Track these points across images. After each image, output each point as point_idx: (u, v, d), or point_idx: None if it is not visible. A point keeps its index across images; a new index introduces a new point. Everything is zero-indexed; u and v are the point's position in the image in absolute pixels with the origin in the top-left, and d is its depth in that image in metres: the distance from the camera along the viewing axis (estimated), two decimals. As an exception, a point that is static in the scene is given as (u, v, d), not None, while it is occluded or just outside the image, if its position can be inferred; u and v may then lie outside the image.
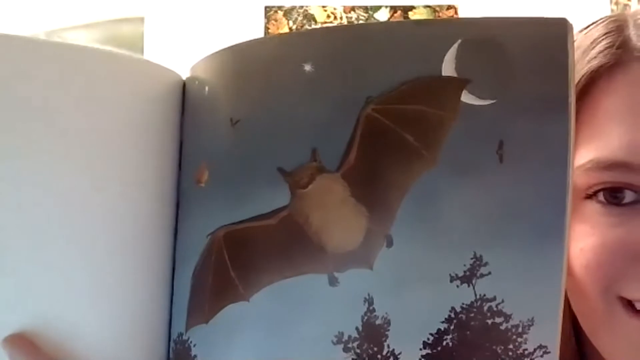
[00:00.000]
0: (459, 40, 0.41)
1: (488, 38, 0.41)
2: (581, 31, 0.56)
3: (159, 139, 0.48)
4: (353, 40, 0.44)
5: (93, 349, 0.46)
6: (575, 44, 0.54)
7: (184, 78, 0.50)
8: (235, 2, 2.60)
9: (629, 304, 0.51)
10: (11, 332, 0.44)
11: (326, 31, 0.48)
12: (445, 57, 0.41)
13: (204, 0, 2.60)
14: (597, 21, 0.56)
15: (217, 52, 0.47)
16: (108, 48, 0.48)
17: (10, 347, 0.44)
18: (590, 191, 0.52)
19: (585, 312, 0.53)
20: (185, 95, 0.50)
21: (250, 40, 0.46)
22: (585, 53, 0.54)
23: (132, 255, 0.47)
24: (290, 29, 2.59)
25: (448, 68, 0.41)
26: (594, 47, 0.54)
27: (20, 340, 0.44)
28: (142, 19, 2.64)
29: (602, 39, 0.54)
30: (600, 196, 0.51)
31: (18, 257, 0.44)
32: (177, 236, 0.48)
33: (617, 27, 0.54)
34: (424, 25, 0.48)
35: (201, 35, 2.56)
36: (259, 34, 2.57)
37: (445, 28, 0.43)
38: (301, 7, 2.61)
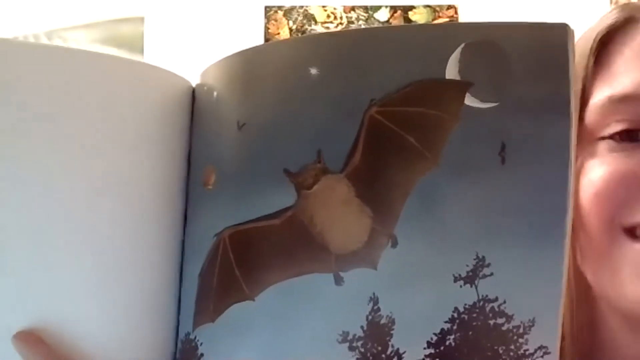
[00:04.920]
0: (462, 44, 0.42)
1: (490, 42, 0.42)
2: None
3: (167, 143, 0.49)
4: (357, 44, 0.44)
5: (100, 348, 0.46)
6: (592, 25, 0.60)
7: (193, 84, 0.51)
8: (235, 2, 2.60)
9: (632, 233, 0.53)
10: (21, 327, 0.45)
11: (331, 35, 0.48)
12: (449, 61, 0.42)
13: (204, 0, 2.61)
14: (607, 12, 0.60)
15: (225, 58, 0.48)
16: (126, 56, 0.48)
17: (20, 343, 0.45)
18: (606, 133, 0.54)
19: (590, 246, 0.55)
20: (194, 101, 0.51)
21: (257, 46, 0.47)
22: (601, 20, 0.59)
23: (140, 256, 0.47)
24: (290, 29, 2.59)
25: (451, 71, 0.42)
26: (611, 12, 0.59)
27: (31, 337, 0.45)
28: (142, 19, 2.64)
29: (616, 9, 0.59)
30: (616, 137, 0.54)
31: (24, 257, 0.45)
32: (185, 237, 0.49)
33: (629, 3, 0.59)
34: (427, 29, 0.48)
35: (201, 35, 2.56)
36: (259, 34, 2.58)
37: (448, 32, 0.43)
38: (301, 7, 2.61)
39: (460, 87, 0.42)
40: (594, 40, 0.57)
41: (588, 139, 0.55)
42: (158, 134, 0.48)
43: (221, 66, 0.49)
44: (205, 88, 0.50)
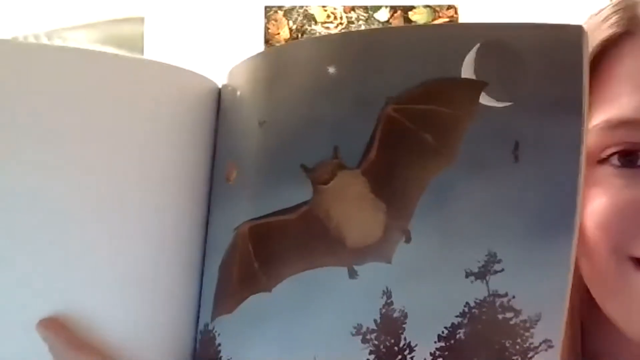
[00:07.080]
0: (478, 44, 0.43)
1: (505, 42, 0.43)
2: (591, 16, 0.59)
3: (193, 141, 0.50)
4: (373, 43, 0.45)
5: (121, 336, 0.47)
6: (586, 25, 0.56)
7: (219, 85, 0.52)
8: (235, 2, 2.60)
9: (639, 263, 0.52)
10: (42, 317, 0.46)
11: (348, 35, 0.49)
12: (465, 60, 0.43)
13: (204, 0, 2.61)
14: (606, 6, 0.58)
15: (249, 58, 0.49)
16: (155, 60, 0.51)
17: (44, 330, 0.45)
18: (604, 154, 0.53)
19: (596, 274, 0.54)
20: (220, 101, 0.52)
21: (278, 46, 0.48)
22: (596, 29, 0.56)
23: (163, 248, 0.48)
24: (290, 29, 2.60)
25: (467, 71, 0.43)
26: (605, 22, 0.56)
27: (54, 324, 0.46)
28: (142, 19, 2.64)
29: (613, 15, 0.56)
30: (614, 160, 0.53)
31: (48, 247, 0.46)
32: (207, 231, 0.50)
33: (626, 7, 0.57)
34: (442, 29, 0.49)
35: (201, 35, 2.57)
36: (259, 34, 2.58)
37: (463, 32, 0.44)
38: (301, 7, 2.61)
39: (476, 86, 0.42)
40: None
41: (587, 162, 0.52)
42: (184, 133, 0.50)
43: (244, 66, 0.50)
44: (229, 88, 0.51)
